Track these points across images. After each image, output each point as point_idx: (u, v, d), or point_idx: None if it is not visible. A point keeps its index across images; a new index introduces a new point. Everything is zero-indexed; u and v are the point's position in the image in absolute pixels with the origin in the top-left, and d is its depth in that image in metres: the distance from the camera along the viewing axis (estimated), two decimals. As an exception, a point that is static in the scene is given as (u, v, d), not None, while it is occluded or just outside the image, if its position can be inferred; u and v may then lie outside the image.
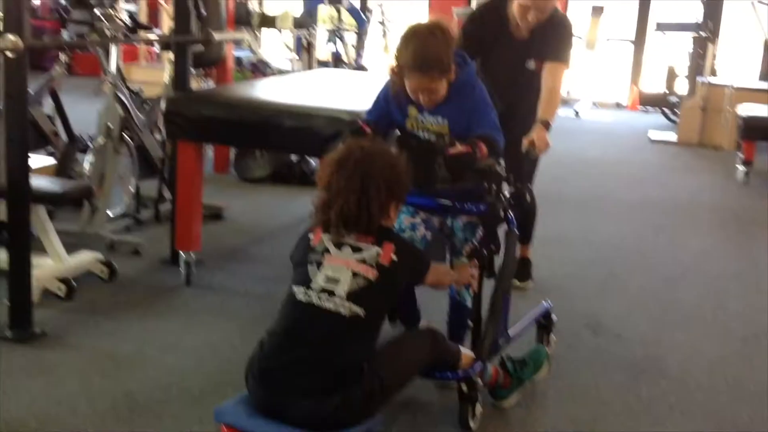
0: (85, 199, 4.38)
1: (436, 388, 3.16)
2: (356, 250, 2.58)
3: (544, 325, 3.56)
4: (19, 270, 3.41)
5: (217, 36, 4.36)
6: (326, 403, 2.43)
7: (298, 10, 10.38)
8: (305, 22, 8.08)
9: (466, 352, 2.91)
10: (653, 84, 11.43)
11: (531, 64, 3.81)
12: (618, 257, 5.05)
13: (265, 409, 2.49)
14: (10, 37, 3.16)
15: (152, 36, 5.86)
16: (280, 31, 8.30)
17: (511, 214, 3.11)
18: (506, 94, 3.87)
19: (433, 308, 3.35)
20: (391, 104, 3.08)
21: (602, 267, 4.84)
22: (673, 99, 10.29)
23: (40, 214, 3.90)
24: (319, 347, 2.48)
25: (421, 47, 2.88)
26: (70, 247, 4.15)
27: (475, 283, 3.16)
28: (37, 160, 5.52)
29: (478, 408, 2.89)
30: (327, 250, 2.59)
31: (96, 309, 3.75)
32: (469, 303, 3.22)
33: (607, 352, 3.67)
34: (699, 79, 9.36)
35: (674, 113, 10.02)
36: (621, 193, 6.77)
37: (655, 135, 9.49)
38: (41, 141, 5.63)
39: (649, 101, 11.43)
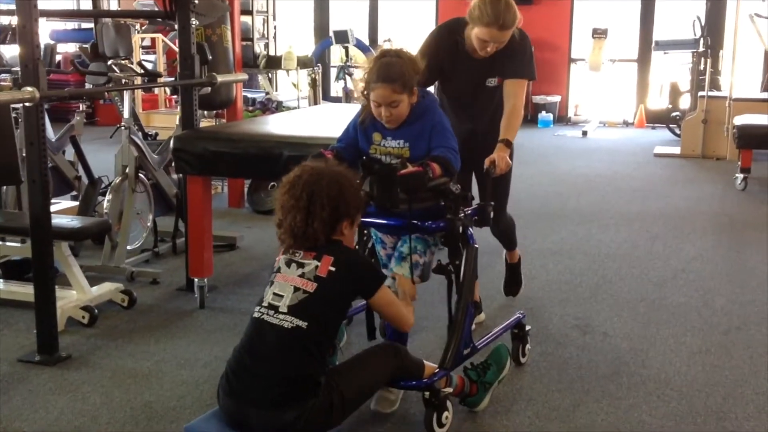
0: (103, 234, 4.69)
1: (406, 401, 3.30)
2: (300, 266, 2.79)
3: (519, 335, 3.70)
4: (44, 301, 3.71)
5: (219, 78, 4.67)
6: (285, 414, 2.62)
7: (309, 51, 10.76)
8: (309, 61, 8.43)
9: (428, 364, 3.07)
10: (659, 101, 11.68)
11: (492, 82, 3.83)
12: (612, 265, 5.25)
13: (234, 421, 2.71)
14: (28, 88, 3.48)
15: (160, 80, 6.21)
16: (287, 71, 8.67)
17: (470, 230, 3.29)
18: (468, 112, 3.95)
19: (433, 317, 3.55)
20: (359, 132, 3.30)
21: (595, 274, 5.06)
22: (677, 114, 10.53)
23: (63, 250, 4.22)
24: (269, 361, 2.69)
25: (386, 64, 3.13)
26: (94, 280, 4.48)
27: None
28: (62, 203, 5.91)
29: (446, 415, 3.03)
30: (279, 270, 2.83)
31: (116, 333, 4.05)
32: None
33: (593, 349, 3.90)
34: (700, 93, 9.60)
35: (679, 128, 10.24)
36: (621, 206, 6.96)
37: (660, 150, 9.72)
38: (65, 186, 6.02)
39: (655, 118, 11.70)
